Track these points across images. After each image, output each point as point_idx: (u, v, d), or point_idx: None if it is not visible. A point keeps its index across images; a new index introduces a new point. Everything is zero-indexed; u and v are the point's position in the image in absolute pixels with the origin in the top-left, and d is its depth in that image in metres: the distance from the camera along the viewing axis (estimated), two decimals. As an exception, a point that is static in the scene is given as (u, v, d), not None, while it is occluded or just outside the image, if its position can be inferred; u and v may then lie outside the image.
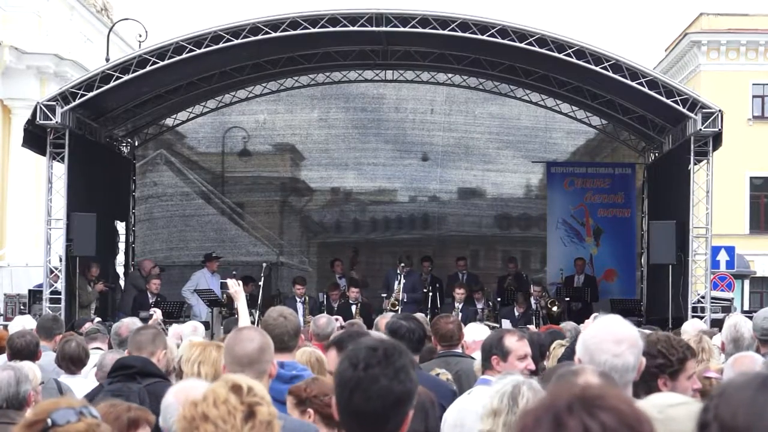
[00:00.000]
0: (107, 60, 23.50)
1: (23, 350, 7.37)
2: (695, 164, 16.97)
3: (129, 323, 7.90)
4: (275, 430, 2.90)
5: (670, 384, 4.34)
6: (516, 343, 5.66)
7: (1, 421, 4.87)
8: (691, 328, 9.29)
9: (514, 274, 20.03)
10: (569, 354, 7.00)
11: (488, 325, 11.02)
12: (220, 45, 16.34)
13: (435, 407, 5.03)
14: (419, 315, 10.43)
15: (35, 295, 18.64)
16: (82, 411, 2.96)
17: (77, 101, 16.41)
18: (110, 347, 8.56)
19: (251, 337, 4.42)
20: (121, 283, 20.28)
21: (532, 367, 5.77)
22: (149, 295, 18.08)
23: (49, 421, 2.88)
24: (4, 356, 7.82)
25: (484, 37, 16.31)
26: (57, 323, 9.31)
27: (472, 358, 7.21)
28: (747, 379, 1.95)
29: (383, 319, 8.49)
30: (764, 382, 1.92)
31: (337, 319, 10.21)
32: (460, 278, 19.37)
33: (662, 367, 4.29)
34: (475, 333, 7.83)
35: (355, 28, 16.58)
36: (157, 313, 11.34)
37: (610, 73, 16.27)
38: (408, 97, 21.83)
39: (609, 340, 3.69)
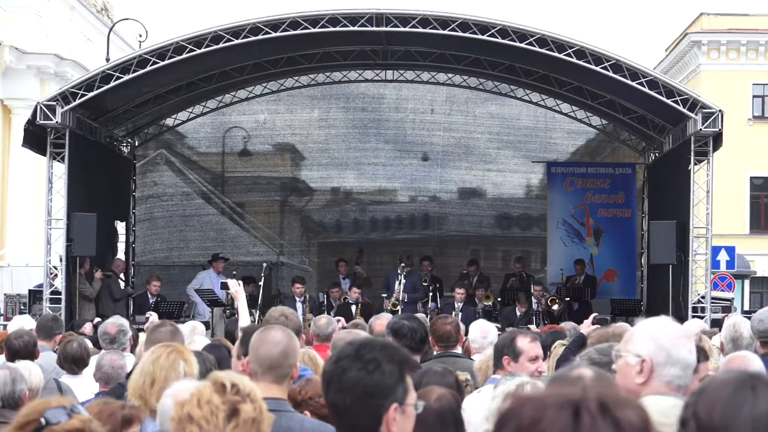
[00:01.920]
0: (107, 60, 23.51)
1: (20, 351, 7.35)
2: (695, 164, 16.95)
3: (114, 321, 7.86)
4: (264, 428, 2.89)
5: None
6: (528, 345, 5.66)
7: (-3, 420, 4.88)
8: (691, 328, 9.28)
9: (518, 274, 20.03)
10: (568, 354, 7.01)
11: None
12: (220, 45, 16.33)
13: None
14: (420, 315, 10.43)
15: (35, 295, 18.67)
16: (72, 409, 2.97)
17: (77, 101, 16.40)
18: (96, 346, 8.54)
19: (277, 341, 4.29)
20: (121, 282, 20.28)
21: (543, 369, 5.76)
22: (149, 296, 18.12)
23: (42, 420, 2.88)
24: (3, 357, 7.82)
25: (485, 37, 16.30)
26: (56, 323, 9.24)
27: (471, 359, 7.20)
28: (727, 378, 1.95)
29: (377, 320, 8.47)
30: (743, 382, 1.92)
31: (338, 320, 10.17)
32: (471, 280, 19.37)
33: None
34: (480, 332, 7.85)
35: (355, 28, 16.57)
36: (153, 317, 11.27)
37: (611, 73, 16.26)
38: (408, 97, 21.82)
39: (682, 337, 3.68)
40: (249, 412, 2.86)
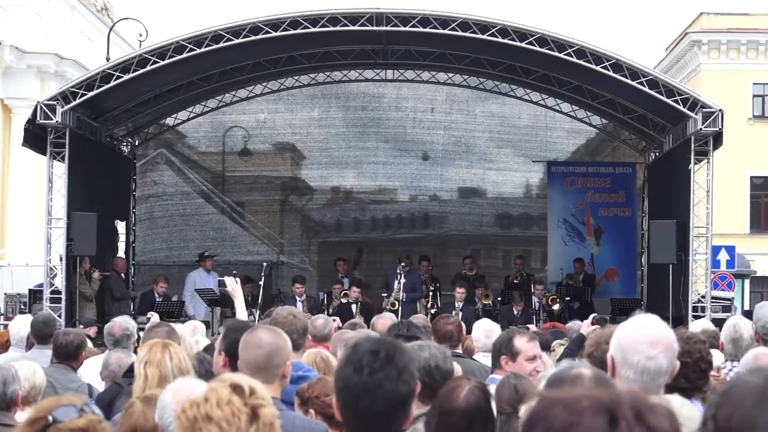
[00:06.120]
0: (108, 59, 23.50)
1: (62, 349, 7.27)
2: (696, 164, 16.95)
3: (121, 322, 7.79)
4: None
5: None
6: (526, 344, 5.65)
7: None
8: (697, 329, 9.26)
9: (519, 273, 20.01)
10: (568, 354, 7.02)
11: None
12: (220, 45, 16.32)
13: None
14: (420, 316, 10.42)
15: (35, 294, 18.63)
16: (83, 408, 2.97)
17: (78, 101, 16.40)
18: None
19: (260, 344, 4.28)
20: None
21: (542, 368, 5.76)
22: (156, 296, 18.21)
23: (50, 418, 2.89)
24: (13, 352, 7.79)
25: (485, 37, 16.30)
26: (49, 324, 8.54)
27: (473, 359, 7.20)
28: (752, 383, 1.92)
29: (380, 320, 8.46)
30: (766, 390, 1.90)
31: (334, 320, 10.17)
32: (468, 277, 19.32)
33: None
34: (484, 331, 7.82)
35: (356, 28, 16.57)
36: (154, 317, 11.28)
37: (611, 73, 16.26)
38: (408, 96, 21.82)
39: (644, 341, 3.58)
40: (268, 416, 2.86)
